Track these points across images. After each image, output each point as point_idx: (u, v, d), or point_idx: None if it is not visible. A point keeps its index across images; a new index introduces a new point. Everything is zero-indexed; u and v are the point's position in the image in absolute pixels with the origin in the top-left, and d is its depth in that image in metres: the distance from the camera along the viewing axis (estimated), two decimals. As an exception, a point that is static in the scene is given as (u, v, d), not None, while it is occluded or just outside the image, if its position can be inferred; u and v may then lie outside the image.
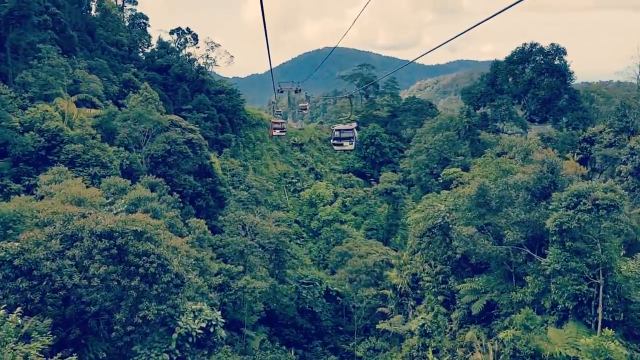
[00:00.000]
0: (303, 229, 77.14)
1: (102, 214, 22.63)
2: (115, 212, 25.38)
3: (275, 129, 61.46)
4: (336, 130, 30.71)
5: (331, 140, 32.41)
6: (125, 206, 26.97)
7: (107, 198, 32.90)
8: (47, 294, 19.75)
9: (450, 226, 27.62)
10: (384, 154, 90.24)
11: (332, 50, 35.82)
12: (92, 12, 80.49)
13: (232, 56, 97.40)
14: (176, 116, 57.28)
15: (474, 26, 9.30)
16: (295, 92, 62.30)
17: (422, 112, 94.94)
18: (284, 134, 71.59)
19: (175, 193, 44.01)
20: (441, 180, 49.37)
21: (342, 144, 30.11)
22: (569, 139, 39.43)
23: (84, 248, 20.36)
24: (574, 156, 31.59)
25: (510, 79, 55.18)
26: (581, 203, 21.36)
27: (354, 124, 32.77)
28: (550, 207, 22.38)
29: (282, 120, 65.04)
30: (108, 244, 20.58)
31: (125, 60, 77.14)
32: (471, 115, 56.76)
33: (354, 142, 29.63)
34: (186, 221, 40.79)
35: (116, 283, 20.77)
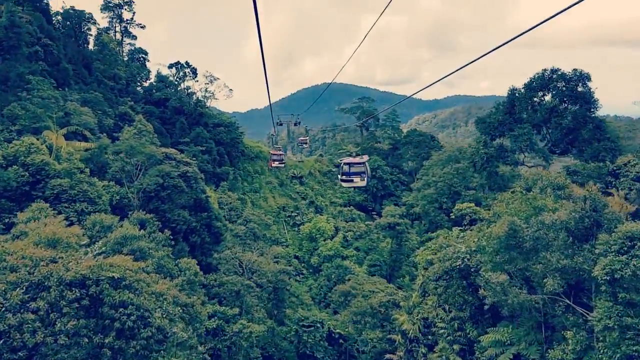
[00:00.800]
0: (303, 264, 73.99)
1: (76, 257, 19.91)
2: (94, 254, 22.65)
3: (274, 160, 59.55)
4: (345, 164, 27.13)
5: (339, 176, 28.71)
6: (104, 248, 24.23)
7: (90, 237, 30.25)
8: (5, 354, 16.83)
9: (471, 270, 24.64)
10: (386, 187, 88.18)
11: (329, 84, 33.69)
12: (90, 46, 79.87)
13: (230, 89, 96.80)
14: (171, 149, 55.21)
15: (472, 62, 9.25)
16: (295, 124, 60.49)
17: (423, 145, 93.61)
18: (282, 165, 69.79)
19: (166, 230, 41.29)
20: (453, 216, 46.25)
21: (351, 180, 26.54)
22: (597, 171, 36.54)
23: (50, 299, 17.55)
24: (617, 191, 28.80)
25: (529, 107, 51.91)
26: (636, 247, 18.51)
27: (366, 157, 29.04)
28: (597, 251, 19.49)
29: (281, 152, 63.20)
30: (79, 294, 17.81)
31: (122, 94, 75.96)
32: (488, 145, 53.16)
33: (366, 178, 26.02)
34: (177, 261, 37.91)
35: (87, 340, 17.84)
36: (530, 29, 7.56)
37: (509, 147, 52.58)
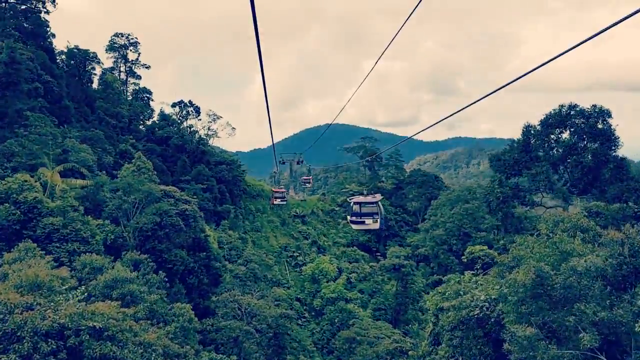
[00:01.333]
0: (305, 307, 71.15)
1: (56, 304, 18.10)
2: (76, 299, 20.78)
3: (276, 197, 58.25)
4: (355, 203, 24.42)
5: (348, 217, 25.94)
6: (86, 294, 22.37)
7: (80, 280, 28.44)
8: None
9: (491, 320, 22.43)
10: (390, 227, 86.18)
11: (329, 125, 32.70)
12: (94, 85, 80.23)
13: (233, 128, 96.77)
14: (171, 187, 53.89)
15: (471, 104, 9.56)
16: (298, 163, 59.51)
17: (427, 185, 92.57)
18: (284, 203, 68.44)
19: (161, 271, 39.31)
20: (465, 259, 43.83)
21: (362, 222, 23.86)
22: (621, 213, 34.39)
23: (22, 351, 15.65)
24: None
25: (546, 145, 49.36)
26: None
27: (378, 196, 26.35)
28: (639, 302, 17.44)
29: (283, 189, 61.90)
30: (55, 346, 15.92)
31: (124, 132, 75.56)
32: (503, 184, 50.28)
33: (379, 220, 23.41)
34: (171, 305, 35.76)
35: (62, 399, 15.84)
36: (528, 73, 7.59)
37: (525, 187, 49.87)
